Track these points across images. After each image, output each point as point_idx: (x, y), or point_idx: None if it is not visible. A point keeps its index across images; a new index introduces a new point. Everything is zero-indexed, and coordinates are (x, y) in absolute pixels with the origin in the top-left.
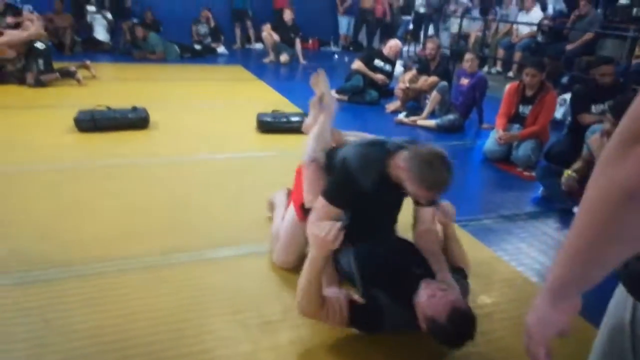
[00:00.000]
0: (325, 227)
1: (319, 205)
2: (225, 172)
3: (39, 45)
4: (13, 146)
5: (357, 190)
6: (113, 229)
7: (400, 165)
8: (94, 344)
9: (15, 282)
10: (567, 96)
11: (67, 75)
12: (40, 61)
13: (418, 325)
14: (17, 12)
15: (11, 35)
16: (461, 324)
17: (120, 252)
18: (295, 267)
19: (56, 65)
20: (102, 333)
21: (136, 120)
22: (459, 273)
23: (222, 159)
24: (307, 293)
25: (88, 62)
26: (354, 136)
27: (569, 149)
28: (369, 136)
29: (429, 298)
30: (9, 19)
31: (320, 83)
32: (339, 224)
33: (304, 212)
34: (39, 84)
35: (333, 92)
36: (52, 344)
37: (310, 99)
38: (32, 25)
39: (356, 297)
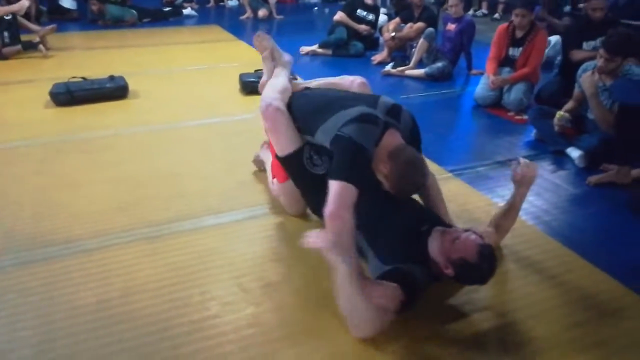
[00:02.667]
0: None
1: (337, 192)
2: (213, 137)
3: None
4: None
5: (368, 164)
6: (109, 201)
7: (381, 165)
8: (100, 318)
9: (17, 263)
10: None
11: (30, 47)
12: (6, 33)
13: (436, 277)
14: None
15: None
16: (491, 258)
17: (119, 224)
18: (281, 226)
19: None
20: (108, 306)
21: (115, 90)
22: None
23: (208, 124)
24: (358, 311)
25: (42, 32)
26: (319, 82)
27: (561, 89)
28: (333, 81)
29: (453, 242)
30: None
31: (264, 41)
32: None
33: (280, 161)
34: (1, 57)
35: (315, 47)
36: (59, 320)
37: (263, 56)
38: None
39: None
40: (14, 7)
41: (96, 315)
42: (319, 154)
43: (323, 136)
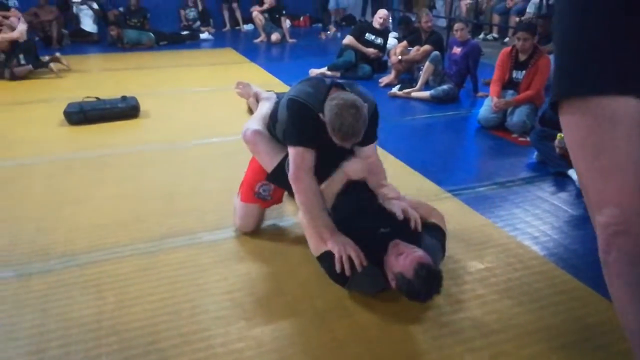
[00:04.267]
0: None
1: (294, 157)
2: (217, 156)
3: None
4: (7, 142)
5: (318, 123)
6: (109, 217)
7: (321, 114)
8: (92, 330)
9: (14, 275)
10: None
11: (41, 66)
12: (21, 56)
13: (387, 282)
14: (3, 7)
15: None
16: (427, 277)
17: (117, 239)
18: (275, 241)
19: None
20: (100, 319)
21: (126, 110)
22: (434, 232)
23: (214, 143)
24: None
25: (58, 55)
26: None
27: None
28: None
29: (397, 256)
30: None
31: (245, 88)
32: None
33: (270, 179)
34: (13, 77)
35: (324, 69)
36: (51, 331)
37: (249, 102)
38: (18, 24)
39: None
40: (13, 34)
41: (88, 327)
42: None
43: (282, 110)
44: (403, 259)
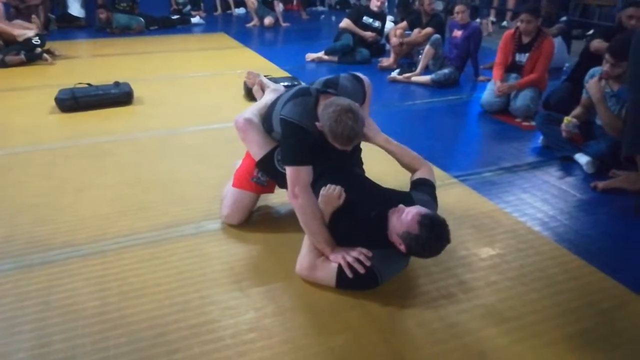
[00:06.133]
0: (330, 188)
1: (290, 175)
2: (217, 143)
3: (35, 41)
4: None
5: (311, 139)
6: (110, 206)
7: (318, 123)
8: (97, 322)
9: (14, 267)
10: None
11: (34, 58)
12: (23, 52)
13: (403, 254)
14: None
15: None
16: (432, 226)
17: (119, 229)
18: (281, 229)
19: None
20: (105, 311)
21: (120, 96)
22: (421, 186)
23: (211, 130)
24: (310, 244)
25: (50, 48)
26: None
27: (569, 96)
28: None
29: (398, 218)
30: None
31: (252, 77)
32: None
33: (257, 166)
34: (3, 65)
35: (321, 54)
36: (55, 324)
37: (254, 89)
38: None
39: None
40: (14, 32)
41: (93, 320)
42: None
43: (276, 124)
44: (404, 217)
